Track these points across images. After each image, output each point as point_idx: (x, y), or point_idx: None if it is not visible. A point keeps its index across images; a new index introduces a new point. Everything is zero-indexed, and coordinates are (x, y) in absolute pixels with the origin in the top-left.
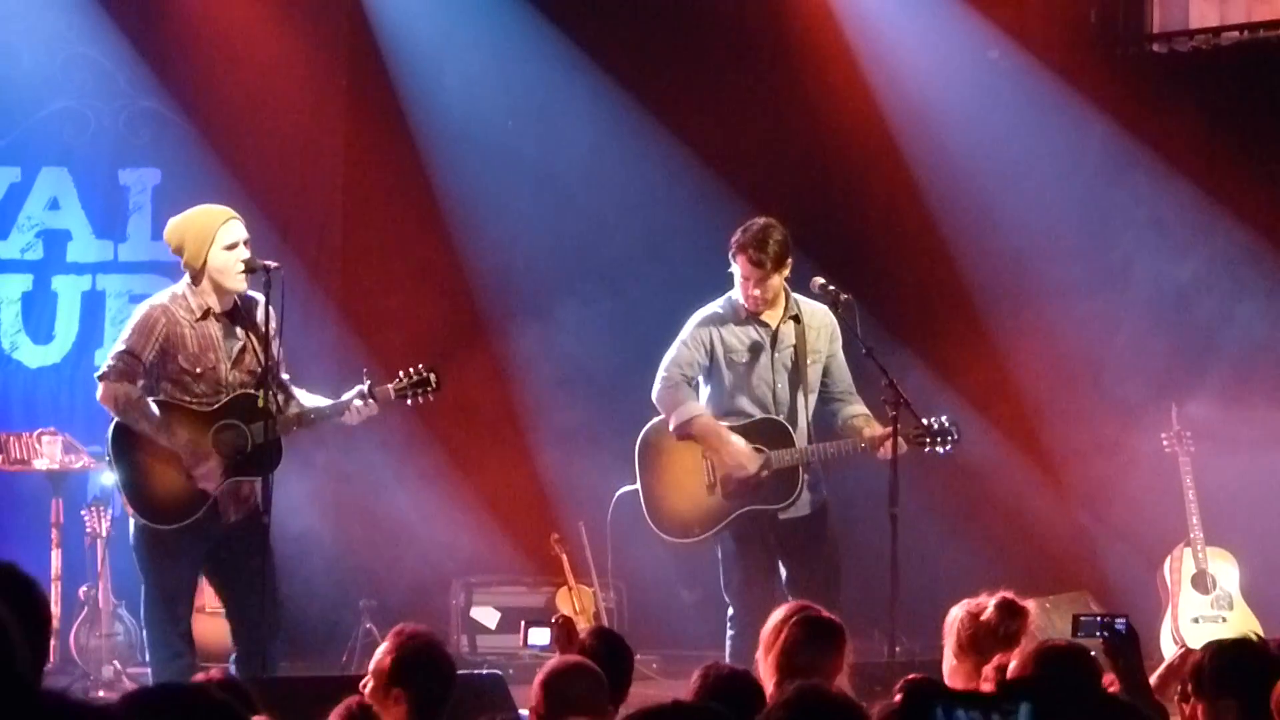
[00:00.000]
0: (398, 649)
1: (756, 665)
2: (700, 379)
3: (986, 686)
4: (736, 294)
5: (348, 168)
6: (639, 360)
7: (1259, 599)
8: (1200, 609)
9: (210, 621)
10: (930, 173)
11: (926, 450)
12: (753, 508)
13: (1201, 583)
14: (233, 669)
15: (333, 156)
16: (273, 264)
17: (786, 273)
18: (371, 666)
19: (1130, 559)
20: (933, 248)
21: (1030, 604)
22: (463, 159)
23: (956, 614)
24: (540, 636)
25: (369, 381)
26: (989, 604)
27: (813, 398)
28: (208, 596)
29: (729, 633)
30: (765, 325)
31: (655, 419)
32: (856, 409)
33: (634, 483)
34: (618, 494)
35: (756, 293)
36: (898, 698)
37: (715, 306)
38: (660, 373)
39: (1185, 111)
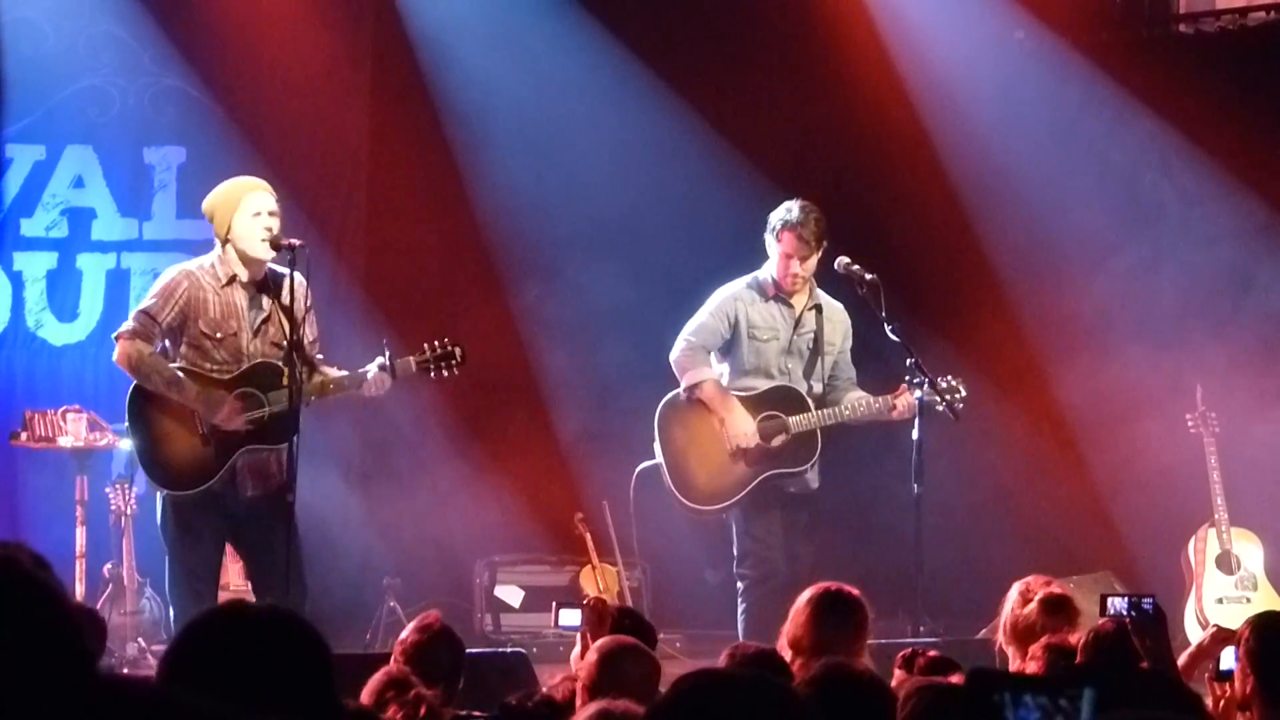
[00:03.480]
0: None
1: (779, 643)
2: (718, 351)
3: (1033, 665)
4: (767, 272)
5: (372, 144)
6: (666, 340)
7: None
8: (1224, 590)
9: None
10: (955, 152)
11: (940, 409)
12: (776, 471)
13: (1226, 563)
14: None
15: (357, 133)
16: (297, 242)
17: (820, 254)
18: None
19: (1154, 539)
20: (957, 227)
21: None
22: (487, 135)
23: (1011, 594)
24: (571, 617)
25: (388, 352)
26: (1035, 595)
27: (820, 387)
28: (231, 575)
29: (741, 605)
30: (790, 307)
31: (672, 391)
32: (858, 393)
33: (653, 457)
34: (638, 469)
35: (799, 270)
36: (898, 673)
37: (743, 282)
38: (682, 336)
39: (1212, 92)
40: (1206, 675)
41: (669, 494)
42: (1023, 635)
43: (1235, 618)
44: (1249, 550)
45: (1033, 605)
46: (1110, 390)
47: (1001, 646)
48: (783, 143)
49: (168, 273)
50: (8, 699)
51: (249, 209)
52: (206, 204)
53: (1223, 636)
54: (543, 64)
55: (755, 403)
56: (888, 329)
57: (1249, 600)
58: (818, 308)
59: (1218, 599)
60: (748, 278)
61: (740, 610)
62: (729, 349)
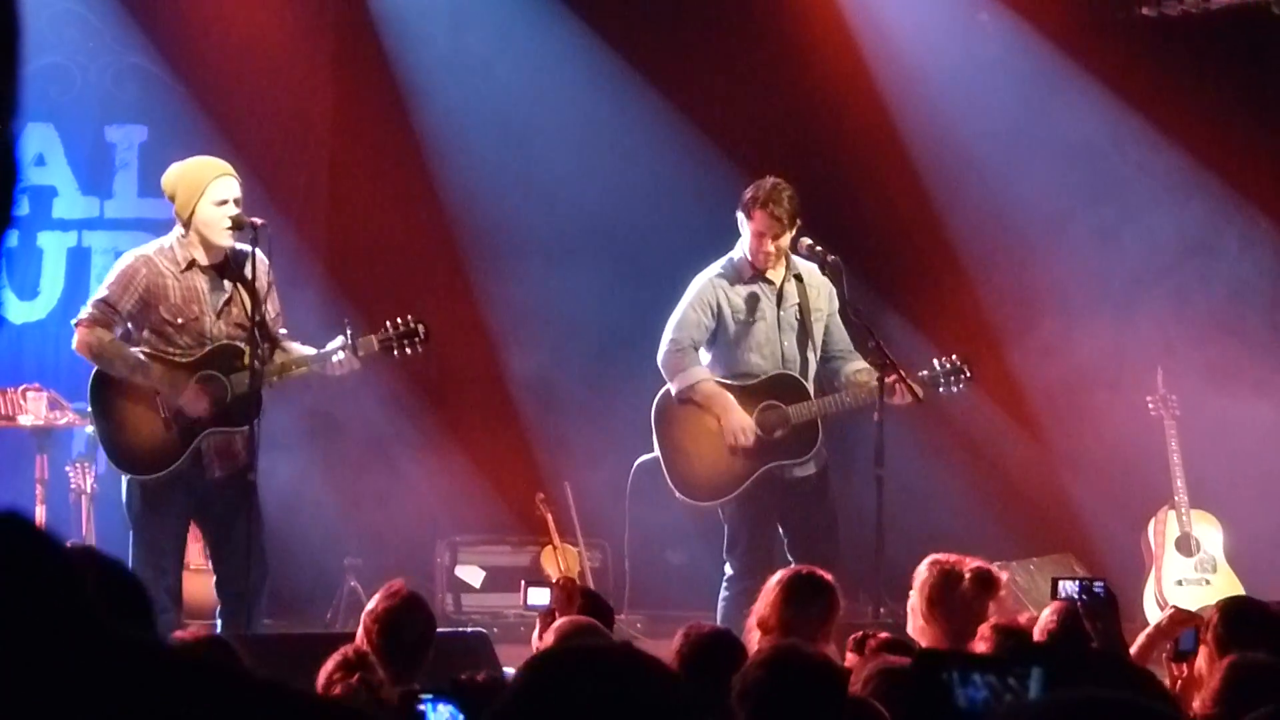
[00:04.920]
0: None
1: (748, 622)
2: (706, 342)
3: (982, 646)
4: (739, 252)
5: (335, 124)
6: (627, 321)
7: (1242, 562)
8: (1184, 572)
9: (195, 578)
10: (918, 135)
11: (941, 390)
12: (776, 463)
13: (1185, 546)
14: (218, 624)
15: (320, 111)
16: (259, 221)
17: (794, 231)
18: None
19: (1114, 521)
20: (918, 207)
21: (1008, 568)
22: (450, 114)
23: (926, 575)
24: (540, 596)
25: (350, 332)
26: (964, 572)
27: (816, 357)
28: (193, 554)
29: (723, 594)
30: (770, 283)
31: (665, 387)
32: (858, 364)
33: (649, 450)
34: (637, 463)
35: (771, 248)
36: (850, 655)
37: (718, 267)
38: (667, 335)
39: (1175, 75)
40: (1165, 656)
41: (668, 490)
42: (953, 613)
43: (1194, 600)
44: (1208, 533)
45: (966, 583)
46: (1070, 369)
47: (919, 628)
48: (745, 124)
49: (124, 259)
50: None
51: (213, 196)
52: (167, 182)
53: (1181, 618)
54: (508, 43)
55: (754, 393)
56: (851, 312)
57: (1208, 582)
58: (797, 277)
59: (1177, 581)
60: (722, 261)
61: (721, 598)
62: (715, 337)
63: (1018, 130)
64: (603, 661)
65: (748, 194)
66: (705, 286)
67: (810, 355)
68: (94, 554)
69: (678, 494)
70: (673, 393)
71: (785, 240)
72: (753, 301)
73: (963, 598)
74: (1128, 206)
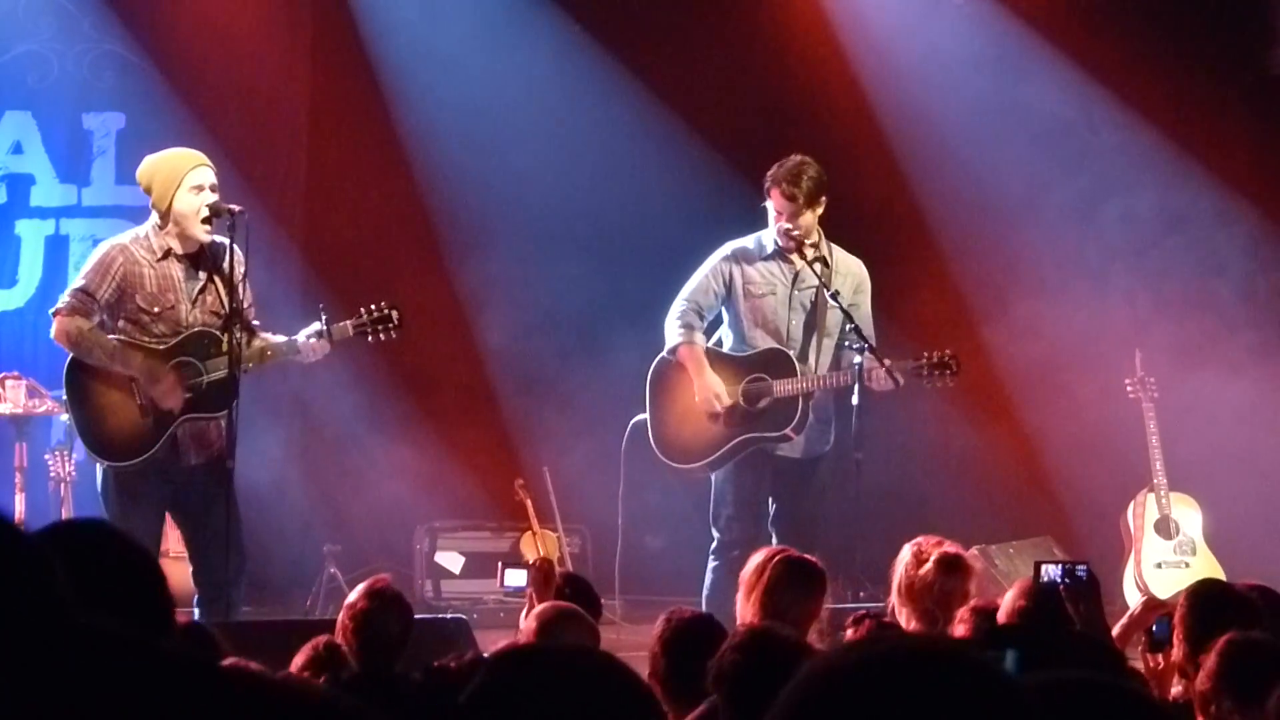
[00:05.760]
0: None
1: (737, 603)
2: (723, 310)
3: (961, 629)
4: (768, 232)
5: (312, 110)
6: (605, 307)
7: (1221, 544)
8: (1163, 554)
9: (174, 565)
10: (893, 114)
11: (925, 383)
12: (754, 434)
13: (1164, 528)
14: (196, 612)
15: (297, 99)
16: (237, 208)
17: (820, 210)
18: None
19: (1093, 504)
20: (895, 190)
21: (977, 554)
22: (427, 101)
23: (903, 556)
24: (517, 578)
25: (324, 317)
26: (930, 556)
27: (829, 342)
28: (171, 541)
29: (711, 563)
30: (789, 263)
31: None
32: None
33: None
34: (633, 421)
35: (788, 227)
36: (848, 633)
37: (744, 241)
38: (679, 298)
39: (1148, 52)
40: (1140, 647)
41: (653, 467)
42: (918, 595)
43: (1174, 583)
44: (1188, 515)
45: (929, 566)
46: (1047, 349)
47: (894, 609)
48: (718, 106)
49: (100, 248)
50: None
51: (191, 185)
52: (143, 174)
53: (1154, 605)
54: (484, 30)
55: (745, 364)
56: (828, 295)
57: (1187, 565)
58: (822, 261)
59: (1156, 564)
60: (752, 236)
61: (710, 568)
62: (729, 306)
63: (992, 109)
64: (562, 662)
65: (770, 172)
66: (722, 258)
67: (817, 338)
68: (101, 529)
69: (659, 454)
70: (665, 350)
71: (807, 219)
72: (767, 277)
73: (923, 580)
74: (1102, 184)
